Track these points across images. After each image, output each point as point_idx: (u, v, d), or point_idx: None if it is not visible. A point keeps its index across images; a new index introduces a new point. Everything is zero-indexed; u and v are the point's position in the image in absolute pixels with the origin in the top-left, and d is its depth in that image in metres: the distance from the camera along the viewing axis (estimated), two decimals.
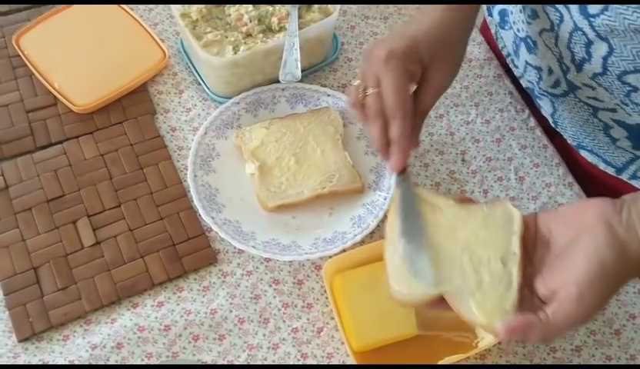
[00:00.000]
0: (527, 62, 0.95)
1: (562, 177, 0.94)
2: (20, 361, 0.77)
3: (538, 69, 0.92)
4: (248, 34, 0.94)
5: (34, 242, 0.84)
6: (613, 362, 0.81)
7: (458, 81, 1.02)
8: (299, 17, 0.95)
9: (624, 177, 0.92)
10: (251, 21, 0.94)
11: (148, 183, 0.89)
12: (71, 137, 0.92)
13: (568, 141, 0.95)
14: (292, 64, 0.90)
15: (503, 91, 1.02)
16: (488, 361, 0.80)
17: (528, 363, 0.80)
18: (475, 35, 1.07)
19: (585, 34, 0.78)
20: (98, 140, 0.92)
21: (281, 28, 0.94)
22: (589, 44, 0.78)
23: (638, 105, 0.81)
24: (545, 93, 0.93)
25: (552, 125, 0.96)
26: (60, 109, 0.94)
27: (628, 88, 0.79)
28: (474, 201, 0.70)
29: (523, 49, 0.94)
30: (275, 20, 0.94)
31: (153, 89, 0.98)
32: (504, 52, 1.02)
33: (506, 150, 0.96)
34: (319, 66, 1.00)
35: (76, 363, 0.77)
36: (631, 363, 0.81)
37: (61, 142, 0.92)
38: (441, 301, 0.64)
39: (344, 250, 0.83)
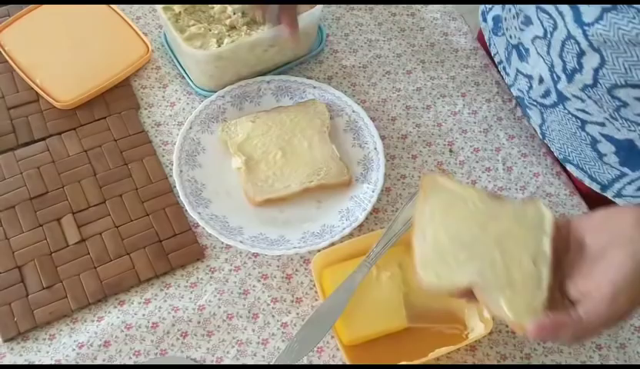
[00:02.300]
0: (518, 70, 0.93)
1: (550, 167, 0.94)
2: (5, 361, 0.76)
3: (529, 78, 0.91)
4: (232, 27, 0.93)
5: (18, 240, 0.83)
6: (603, 351, 0.81)
7: (444, 72, 1.02)
8: None
9: (608, 194, 0.91)
10: (234, 14, 0.93)
11: (132, 179, 0.88)
12: (54, 133, 0.91)
13: (555, 154, 0.94)
14: None
15: (490, 81, 1.02)
16: (479, 353, 0.80)
17: (519, 353, 0.80)
18: (461, 25, 1.06)
19: (577, 43, 0.77)
20: (81, 136, 0.91)
21: (265, 20, 0.93)
22: (581, 54, 0.78)
23: (627, 121, 0.80)
24: (535, 103, 0.92)
25: (540, 137, 0.95)
26: (42, 105, 0.93)
27: (618, 103, 0.79)
28: (504, 198, 0.70)
29: (515, 56, 0.93)
30: (259, 12, 0.93)
31: (136, 84, 0.97)
32: (496, 59, 1.00)
33: (494, 140, 0.96)
34: (305, 58, 0.99)
35: (63, 362, 0.76)
36: (622, 351, 0.81)
37: (43, 139, 0.90)
38: (468, 292, 0.63)
39: (332, 244, 0.83)
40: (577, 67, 0.79)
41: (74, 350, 0.77)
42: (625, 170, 0.87)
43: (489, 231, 0.66)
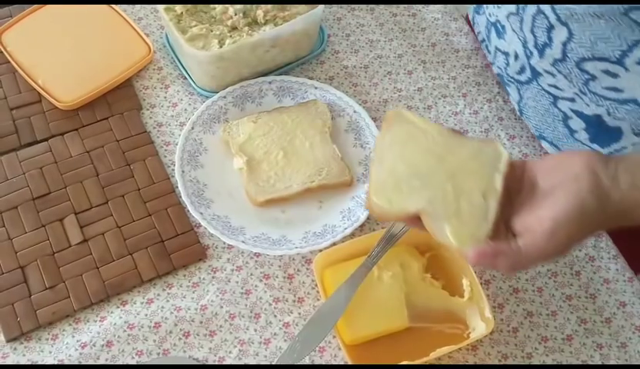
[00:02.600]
0: (497, 48, 0.95)
1: None
2: (9, 361, 0.76)
3: (506, 54, 0.93)
4: (234, 28, 0.93)
5: (20, 241, 0.83)
6: (604, 350, 0.81)
7: (445, 72, 1.02)
8: (285, 9, 0.94)
9: None
10: (236, 15, 0.93)
11: (135, 179, 0.89)
12: (56, 134, 0.91)
13: (532, 131, 0.96)
14: None
15: (491, 81, 1.02)
16: (480, 352, 0.80)
17: (520, 352, 0.80)
18: (462, 26, 1.07)
19: (546, 17, 0.79)
20: (83, 136, 0.91)
21: (267, 21, 0.93)
22: (550, 28, 0.79)
23: (596, 95, 0.81)
24: (512, 79, 0.94)
25: (518, 114, 0.96)
26: (44, 106, 0.93)
27: (586, 76, 0.80)
28: (464, 136, 0.72)
29: (493, 34, 0.95)
30: (260, 13, 0.93)
31: (138, 84, 0.97)
32: (479, 38, 1.03)
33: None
34: (306, 58, 0.99)
35: (66, 362, 0.76)
36: (622, 351, 0.81)
37: (46, 139, 0.91)
38: (416, 220, 0.66)
39: (334, 244, 0.83)
40: (547, 41, 0.81)
41: (76, 350, 0.77)
42: (595, 146, 0.88)
43: (445, 164, 0.68)
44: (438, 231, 0.65)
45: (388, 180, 0.68)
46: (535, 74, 0.87)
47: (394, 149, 0.70)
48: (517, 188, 0.67)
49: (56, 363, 0.76)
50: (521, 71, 0.90)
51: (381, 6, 1.08)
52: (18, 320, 0.78)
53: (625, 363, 0.80)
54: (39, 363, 0.76)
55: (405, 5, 1.08)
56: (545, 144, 0.95)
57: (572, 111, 0.87)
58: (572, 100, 0.85)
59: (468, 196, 0.66)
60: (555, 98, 0.87)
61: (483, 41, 1.01)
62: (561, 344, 0.81)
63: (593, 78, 0.80)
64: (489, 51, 0.99)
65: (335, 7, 1.06)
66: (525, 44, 0.86)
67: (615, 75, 0.77)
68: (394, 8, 1.08)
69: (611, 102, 0.81)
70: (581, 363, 0.80)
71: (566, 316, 0.83)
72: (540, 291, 0.84)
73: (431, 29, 1.06)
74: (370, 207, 0.68)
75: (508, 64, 0.93)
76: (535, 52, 0.85)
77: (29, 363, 0.76)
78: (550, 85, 0.87)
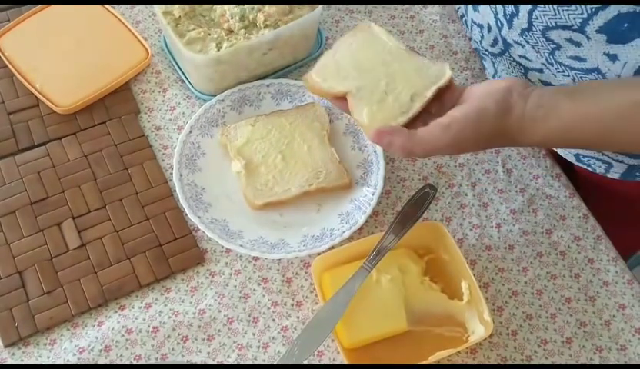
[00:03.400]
0: (472, 20, 0.96)
1: (550, 169, 0.93)
2: None
3: (480, 27, 0.93)
4: (230, 31, 0.93)
5: (18, 245, 0.83)
6: (604, 353, 0.81)
7: None
8: (289, 12, 0.94)
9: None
10: (232, 18, 0.93)
11: (133, 183, 0.88)
12: (54, 138, 0.91)
13: None
14: None
15: None
16: (479, 355, 0.80)
17: (519, 355, 0.80)
18: (461, 28, 1.06)
19: None
20: (81, 140, 0.91)
21: (266, 25, 0.93)
22: None
23: (562, 65, 0.82)
24: (487, 52, 0.95)
25: None
26: (42, 110, 0.93)
27: (552, 45, 0.80)
28: (419, 55, 0.77)
29: (470, 7, 0.96)
30: (261, 17, 0.93)
31: (136, 88, 0.97)
32: (459, 13, 1.04)
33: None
34: (304, 61, 0.99)
35: None
36: (622, 353, 0.81)
37: (44, 143, 0.91)
38: (342, 100, 0.74)
39: (332, 247, 0.83)
40: (514, 11, 0.81)
41: (74, 355, 0.77)
42: None
43: (388, 68, 0.75)
44: (356, 110, 0.72)
45: (332, 65, 0.76)
46: (507, 45, 0.88)
47: (350, 48, 0.77)
48: (451, 107, 0.71)
49: None
50: (494, 43, 0.91)
51: (379, 8, 1.07)
52: (16, 325, 0.78)
53: (625, 364, 0.80)
54: None
55: (403, 7, 1.08)
56: None
57: (541, 82, 0.87)
58: (541, 71, 0.86)
59: (396, 94, 0.72)
60: (526, 69, 0.88)
61: (462, 16, 1.03)
62: (560, 347, 0.81)
63: (558, 46, 0.80)
64: (467, 26, 1.00)
65: (332, 9, 1.06)
66: (496, 15, 0.86)
67: (578, 44, 0.77)
68: (392, 10, 1.07)
69: (576, 72, 0.81)
70: (580, 364, 0.80)
71: (565, 319, 0.83)
72: (539, 294, 0.84)
73: (430, 31, 1.06)
74: (306, 79, 0.77)
75: (482, 36, 0.94)
76: (505, 23, 0.85)
77: None
78: (520, 56, 0.87)
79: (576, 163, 0.92)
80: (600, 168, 0.90)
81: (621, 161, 0.87)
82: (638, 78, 0.75)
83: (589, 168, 0.91)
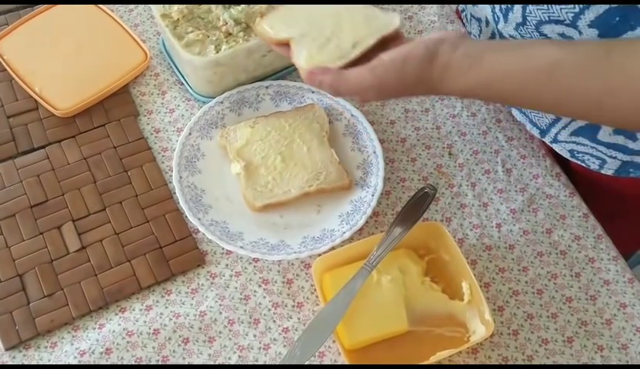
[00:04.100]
0: (472, 15, 0.95)
1: (550, 168, 0.93)
2: None
3: (479, 21, 0.93)
4: (229, 34, 0.93)
5: (18, 249, 0.83)
6: (605, 352, 0.80)
7: None
8: None
9: (546, 140, 0.92)
10: (227, 23, 0.92)
11: (132, 185, 0.88)
12: (53, 141, 0.91)
13: None
14: None
15: None
16: (480, 355, 0.80)
17: (520, 355, 0.80)
18: (459, 28, 1.06)
19: None
20: (80, 143, 0.91)
21: None
22: None
23: None
24: None
25: None
26: (41, 113, 0.93)
27: None
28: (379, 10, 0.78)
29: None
30: (259, 20, 0.92)
31: (135, 91, 0.97)
32: (460, 8, 1.04)
33: (493, 142, 0.96)
34: None
35: None
36: (623, 352, 0.81)
37: (43, 147, 0.91)
38: (285, 45, 0.75)
39: (332, 248, 0.82)
40: (509, 5, 0.81)
41: (75, 357, 0.77)
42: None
43: (337, 18, 0.76)
44: (296, 53, 0.73)
45: (283, 14, 0.78)
46: (503, 39, 0.87)
47: (309, 9, 0.78)
48: None
49: None
50: (492, 37, 0.90)
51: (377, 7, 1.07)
52: (17, 328, 0.78)
53: (626, 364, 0.80)
54: None
55: (402, 8, 1.08)
56: (515, 112, 0.96)
57: None
58: None
59: (339, 40, 0.73)
60: None
61: (463, 10, 1.02)
62: (561, 346, 0.81)
63: None
64: (467, 20, 1.00)
65: None
66: (493, 9, 0.86)
67: (570, 38, 0.77)
68: (389, 9, 1.07)
69: None
70: (582, 364, 0.80)
71: (566, 318, 0.82)
72: (540, 293, 0.84)
73: (428, 32, 1.06)
74: (255, 26, 0.81)
75: (480, 31, 0.93)
76: (501, 17, 0.84)
77: None
78: None
79: (571, 159, 0.92)
80: (594, 164, 0.90)
81: (615, 158, 0.87)
82: (566, 40, 0.75)
83: (583, 164, 0.91)
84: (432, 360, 0.74)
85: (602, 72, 0.63)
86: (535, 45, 0.69)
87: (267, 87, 0.95)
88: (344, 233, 0.84)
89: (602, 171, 0.90)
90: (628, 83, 0.62)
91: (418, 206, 0.84)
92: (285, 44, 0.75)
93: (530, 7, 0.77)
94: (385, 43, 0.73)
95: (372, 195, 0.87)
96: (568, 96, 0.66)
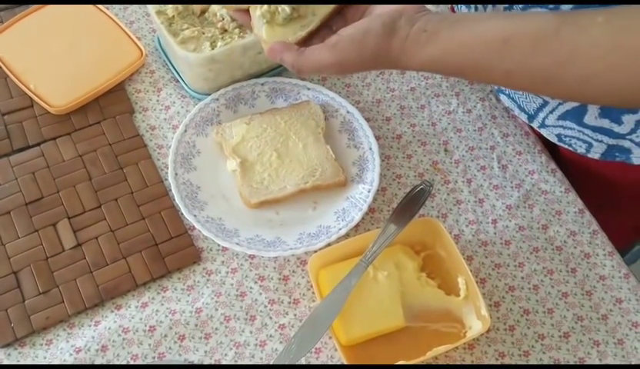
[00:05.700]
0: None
1: (545, 164, 0.94)
2: None
3: (468, 8, 0.92)
4: (225, 30, 0.93)
5: (13, 246, 0.82)
6: (601, 347, 0.81)
7: None
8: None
9: (534, 124, 0.93)
10: (223, 19, 0.92)
11: (128, 182, 0.88)
12: (48, 138, 0.91)
13: (491, 85, 0.97)
14: None
15: None
16: (477, 351, 0.80)
17: (517, 350, 0.80)
18: None
19: None
20: (76, 141, 0.91)
21: None
22: None
23: None
24: None
25: None
26: (36, 111, 0.93)
27: None
28: None
29: None
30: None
31: (131, 88, 0.97)
32: (455, 8, 1.03)
33: (488, 138, 0.96)
34: None
35: None
36: (619, 347, 0.81)
37: (38, 144, 0.90)
38: (245, 13, 0.73)
39: (329, 245, 0.82)
40: (507, 5, 0.80)
41: (71, 355, 0.77)
42: (546, 97, 0.88)
43: None
44: (257, 25, 0.72)
45: None
46: (461, 13, 0.88)
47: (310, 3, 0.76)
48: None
49: None
50: None
51: None
52: (12, 325, 0.77)
53: (622, 359, 0.80)
54: None
55: None
56: (503, 97, 0.96)
57: None
58: None
59: (300, 10, 0.72)
60: None
61: (460, 10, 1.02)
62: (558, 342, 0.81)
63: None
64: (457, 8, 0.99)
65: None
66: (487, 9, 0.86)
67: None
68: None
69: None
70: (578, 360, 0.80)
71: (562, 313, 0.83)
72: (536, 289, 0.84)
73: None
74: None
75: None
76: (489, 5, 0.84)
77: None
78: None
79: (558, 143, 0.93)
80: (581, 148, 0.90)
81: (601, 141, 0.88)
82: (519, 12, 0.75)
83: (570, 148, 0.91)
84: (429, 355, 0.74)
85: (551, 47, 0.63)
86: (488, 20, 0.69)
87: (262, 84, 0.95)
88: (340, 229, 0.84)
89: (589, 155, 0.91)
90: (575, 58, 0.62)
91: (413, 202, 0.84)
92: (245, 12, 0.74)
93: (530, 8, 0.77)
94: (343, 9, 0.73)
95: (368, 192, 0.87)
96: (518, 70, 0.66)
